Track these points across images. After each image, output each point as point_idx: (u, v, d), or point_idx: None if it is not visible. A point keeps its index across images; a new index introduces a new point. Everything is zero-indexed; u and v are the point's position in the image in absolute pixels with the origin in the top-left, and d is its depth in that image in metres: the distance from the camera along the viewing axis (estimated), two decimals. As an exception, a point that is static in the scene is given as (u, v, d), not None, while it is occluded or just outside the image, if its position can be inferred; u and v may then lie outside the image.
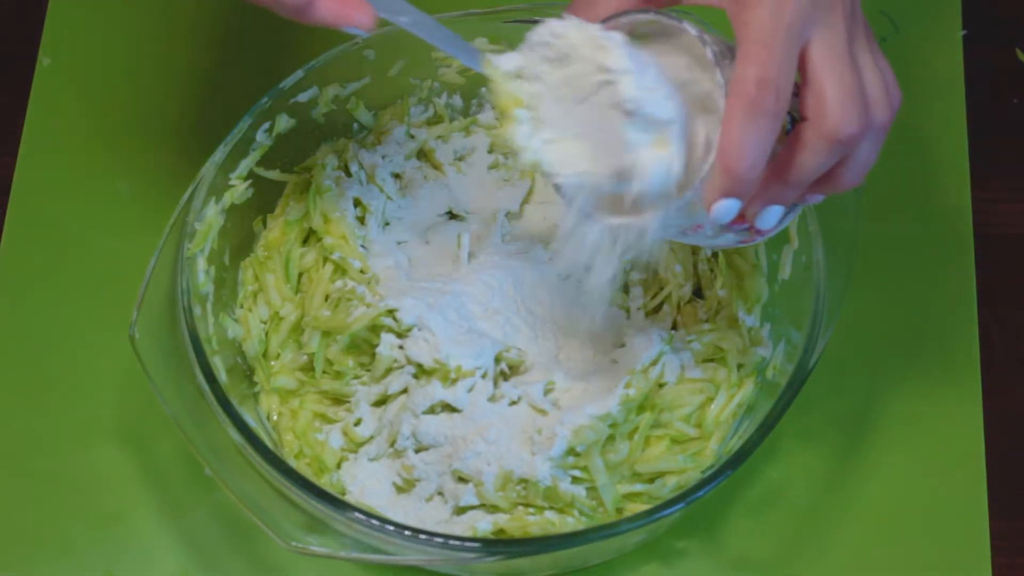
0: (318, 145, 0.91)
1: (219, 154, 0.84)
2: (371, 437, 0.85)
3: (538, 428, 0.81)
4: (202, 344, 0.80)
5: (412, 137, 0.93)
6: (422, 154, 0.93)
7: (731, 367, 0.84)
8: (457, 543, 0.75)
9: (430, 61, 0.91)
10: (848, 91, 0.65)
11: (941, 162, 0.98)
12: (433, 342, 0.82)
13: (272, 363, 0.87)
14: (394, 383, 0.84)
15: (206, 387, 0.79)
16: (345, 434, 0.85)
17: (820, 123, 0.66)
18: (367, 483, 0.83)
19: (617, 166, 0.67)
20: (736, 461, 0.76)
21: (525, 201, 0.92)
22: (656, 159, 0.66)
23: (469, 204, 0.92)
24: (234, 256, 0.88)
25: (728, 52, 0.67)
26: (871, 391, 0.90)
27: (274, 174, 0.89)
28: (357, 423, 0.85)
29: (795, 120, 0.67)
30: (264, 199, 0.89)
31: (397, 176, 0.92)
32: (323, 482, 0.83)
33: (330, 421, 0.86)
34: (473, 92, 0.94)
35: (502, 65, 0.70)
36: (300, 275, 0.88)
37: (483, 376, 0.83)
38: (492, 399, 0.83)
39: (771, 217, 0.70)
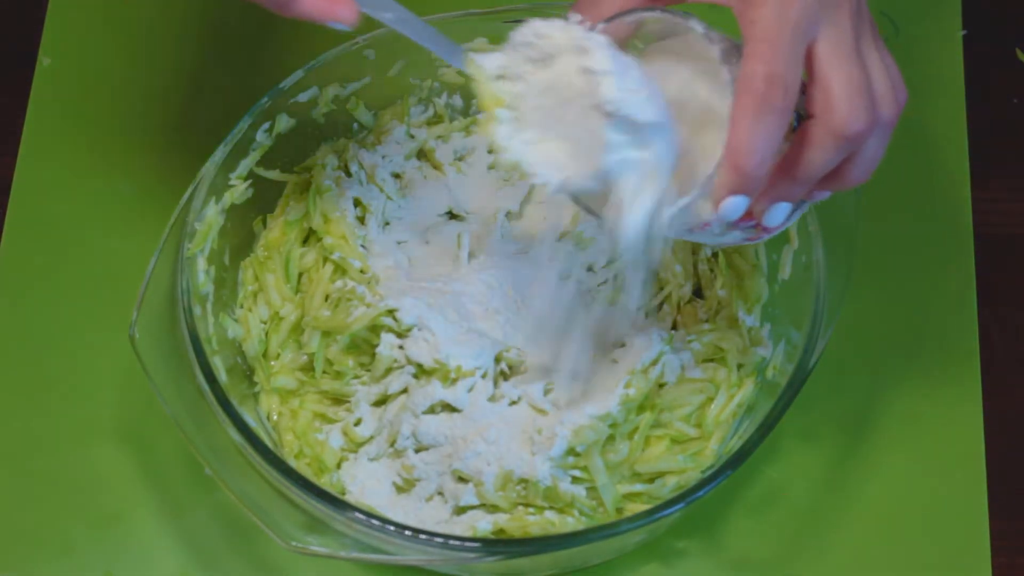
0: (318, 145, 0.91)
1: (219, 154, 0.84)
2: (371, 437, 0.85)
3: (538, 428, 0.81)
4: (202, 344, 0.80)
5: (412, 137, 0.93)
6: (422, 154, 0.93)
7: (731, 367, 0.84)
8: (457, 543, 0.75)
9: (430, 61, 0.91)
10: (855, 88, 0.66)
11: (941, 162, 0.98)
12: (433, 342, 0.82)
13: (272, 363, 0.87)
14: (394, 383, 0.84)
15: (206, 387, 0.79)
16: (345, 434, 0.85)
17: (828, 119, 0.66)
18: (367, 483, 0.83)
19: (598, 167, 0.67)
20: (736, 461, 0.76)
21: (525, 201, 0.92)
22: (635, 160, 0.66)
23: (469, 204, 0.92)
24: (234, 256, 0.88)
25: (734, 50, 0.67)
26: (871, 391, 0.90)
27: (274, 174, 0.89)
28: (357, 423, 0.85)
29: (801, 118, 0.67)
30: (264, 199, 0.89)
31: (397, 176, 0.92)
32: (323, 482, 0.83)
33: (330, 421, 0.86)
34: (473, 92, 0.93)
35: (485, 64, 0.70)
36: (300, 275, 0.88)
37: (483, 376, 0.83)
38: (492, 399, 0.83)
39: (779, 214, 0.70)
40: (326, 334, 0.85)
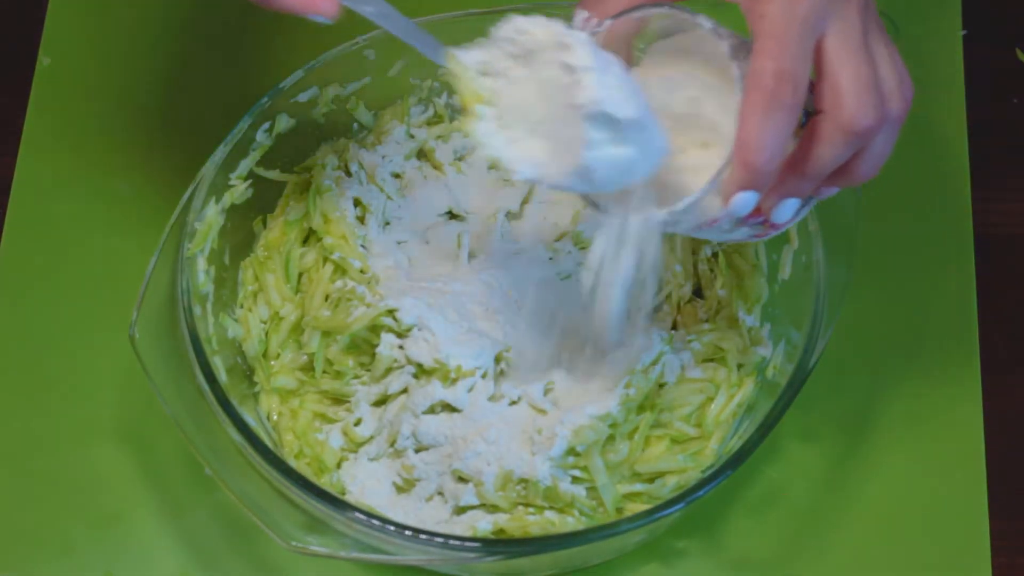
0: (318, 145, 0.91)
1: (219, 154, 0.84)
2: (371, 437, 0.85)
3: (538, 428, 0.81)
4: (202, 344, 0.80)
5: (412, 137, 0.93)
6: (422, 154, 0.93)
7: (731, 367, 0.84)
8: (457, 543, 0.75)
9: (430, 61, 0.91)
10: (864, 83, 0.66)
11: (941, 162, 0.98)
12: (433, 342, 0.82)
13: (272, 363, 0.87)
14: (394, 383, 0.84)
15: (206, 387, 0.79)
16: (345, 434, 0.85)
17: (837, 115, 0.66)
18: (367, 483, 0.83)
19: (577, 164, 0.67)
20: (736, 461, 0.76)
21: (525, 201, 0.92)
22: (614, 157, 0.66)
23: (469, 204, 0.92)
24: (234, 256, 0.88)
25: (743, 47, 0.67)
26: (871, 391, 0.90)
27: (274, 174, 0.89)
28: (357, 423, 0.85)
29: (809, 114, 0.67)
30: (264, 199, 0.89)
31: (397, 176, 0.92)
32: (323, 482, 0.83)
33: (330, 421, 0.86)
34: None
35: (465, 60, 0.70)
36: (300, 275, 0.88)
37: (483, 376, 0.83)
38: (492, 399, 0.83)
39: (787, 210, 0.70)
40: (326, 334, 0.85)
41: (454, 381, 0.82)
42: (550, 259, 0.89)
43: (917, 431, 0.89)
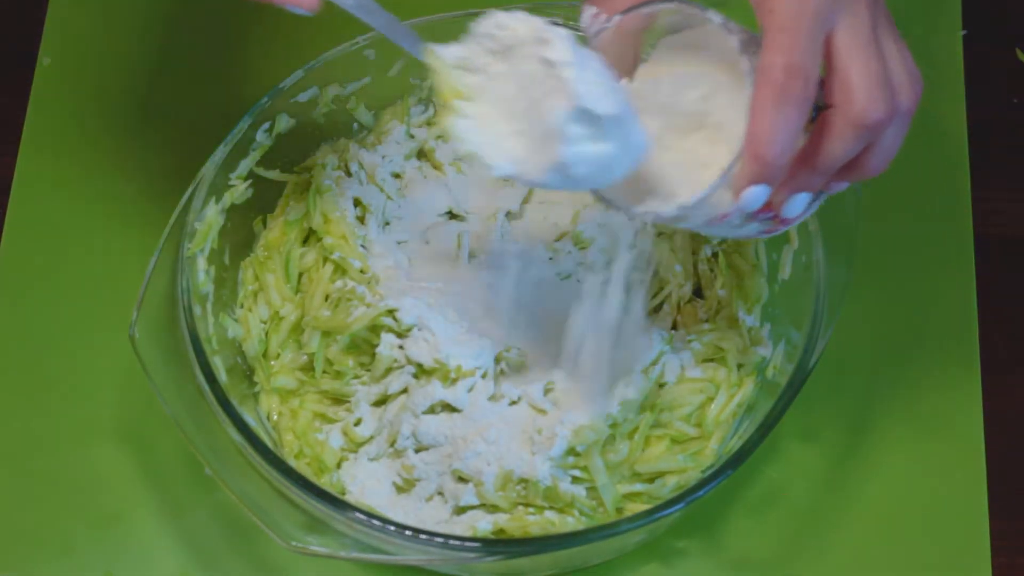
0: (318, 145, 0.91)
1: (219, 154, 0.84)
2: (371, 437, 0.85)
3: (538, 428, 0.81)
4: (202, 344, 0.80)
5: (412, 137, 0.93)
6: (422, 154, 0.93)
7: (731, 367, 0.84)
8: (457, 543, 0.75)
9: (430, 61, 0.91)
10: (874, 77, 0.66)
11: (941, 162, 0.98)
12: (433, 342, 0.82)
13: (272, 363, 0.87)
14: (394, 383, 0.84)
15: (206, 387, 0.79)
16: (345, 434, 0.85)
17: (847, 109, 0.66)
18: (367, 483, 0.83)
19: (555, 159, 0.66)
20: (736, 461, 0.76)
21: (525, 201, 0.92)
22: (593, 154, 0.66)
23: (469, 204, 0.92)
24: (234, 256, 0.88)
25: (753, 41, 0.67)
26: (871, 391, 0.90)
27: (274, 174, 0.89)
28: (357, 423, 0.85)
29: (819, 109, 0.67)
30: (264, 199, 0.89)
31: (397, 176, 0.92)
32: (323, 482, 0.83)
33: (330, 421, 0.86)
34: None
35: (444, 55, 0.70)
36: (300, 275, 0.88)
37: (483, 376, 0.83)
38: (492, 399, 0.83)
39: (798, 205, 0.70)
40: (326, 334, 0.85)
41: (454, 381, 0.82)
42: (550, 259, 0.89)
43: (917, 431, 0.89)
